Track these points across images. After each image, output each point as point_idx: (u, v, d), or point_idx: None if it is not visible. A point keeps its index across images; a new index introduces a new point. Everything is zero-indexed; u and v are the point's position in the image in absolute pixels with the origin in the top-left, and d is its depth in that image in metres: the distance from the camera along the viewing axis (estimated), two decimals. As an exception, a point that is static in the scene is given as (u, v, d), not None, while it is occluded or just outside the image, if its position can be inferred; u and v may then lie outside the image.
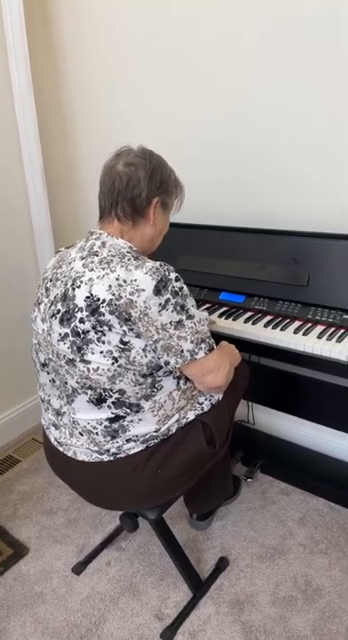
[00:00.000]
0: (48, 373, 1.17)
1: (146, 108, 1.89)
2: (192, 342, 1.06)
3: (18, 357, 2.18)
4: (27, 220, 2.13)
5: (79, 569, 1.58)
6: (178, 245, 1.78)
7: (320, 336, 1.39)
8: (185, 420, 1.21)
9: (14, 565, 1.62)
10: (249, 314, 1.57)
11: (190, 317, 1.06)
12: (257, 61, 1.57)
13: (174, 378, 1.14)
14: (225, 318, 1.56)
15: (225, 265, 1.68)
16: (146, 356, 1.04)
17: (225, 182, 1.79)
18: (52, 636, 1.39)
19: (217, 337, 1.46)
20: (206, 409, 1.25)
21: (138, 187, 1.11)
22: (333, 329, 1.41)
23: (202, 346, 1.08)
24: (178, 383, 1.15)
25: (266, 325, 1.48)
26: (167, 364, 1.06)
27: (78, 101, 2.08)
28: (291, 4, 1.44)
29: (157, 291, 1.01)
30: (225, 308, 1.63)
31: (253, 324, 1.50)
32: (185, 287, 1.06)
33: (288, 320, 1.49)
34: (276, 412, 1.97)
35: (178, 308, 1.04)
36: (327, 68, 1.45)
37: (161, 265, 1.03)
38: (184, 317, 1.05)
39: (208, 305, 1.68)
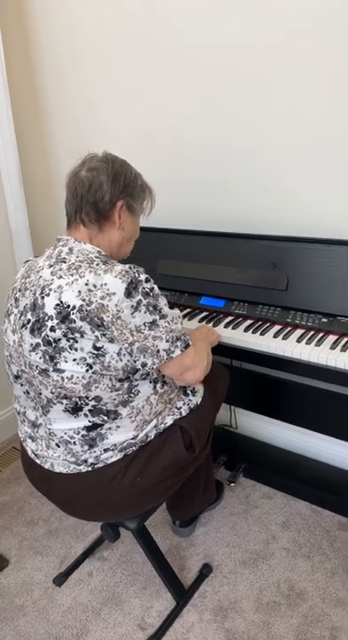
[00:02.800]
0: (22, 385, 1.14)
1: (126, 113, 1.88)
2: (167, 341, 1.05)
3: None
4: (5, 224, 2.10)
5: (60, 580, 1.55)
6: (158, 250, 1.77)
7: (299, 340, 1.39)
8: (163, 425, 1.20)
9: (-6, 578, 1.59)
10: (230, 318, 1.56)
11: (163, 317, 1.05)
12: (240, 66, 1.56)
13: (150, 382, 1.13)
14: (206, 323, 1.55)
15: (205, 270, 1.67)
16: (121, 360, 1.03)
17: (204, 187, 1.78)
18: (33, 651, 1.36)
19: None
20: (184, 413, 1.24)
21: (100, 190, 1.11)
22: (312, 332, 1.41)
23: (178, 344, 1.08)
24: (155, 387, 1.14)
25: (246, 330, 1.48)
26: (144, 365, 1.05)
27: (55, 105, 2.07)
28: (275, 8, 1.44)
29: (128, 293, 1.00)
30: (205, 313, 1.62)
31: (233, 328, 1.50)
32: (155, 287, 1.05)
33: (268, 324, 1.49)
34: (258, 415, 1.97)
35: (151, 308, 1.03)
36: (308, 74, 1.45)
37: (130, 267, 1.02)
38: (157, 317, 1.04)
39: (188, 310, 1.67)
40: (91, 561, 1.62)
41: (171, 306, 1.66)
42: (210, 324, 1.52)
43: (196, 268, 1.69)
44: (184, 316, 1.62)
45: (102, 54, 1.85)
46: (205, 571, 1.52)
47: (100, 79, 1.89)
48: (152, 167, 1.80)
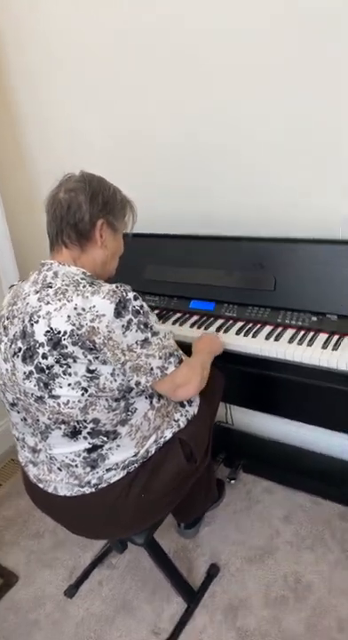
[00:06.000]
0: (18, 412, 1.14)
1: (105, 119, 1.85)
2: (160, 358, 1.06)
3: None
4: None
5: (71, 592, 1.57)
6: (145, 256, 1.76)
7: (290, 340, 1.40)
8: (162, 439, 1.21)
9: (5, 595, 1.61)
10: (221, 321, 1.57)
11: (155, 334, 1.06)
12: (224, 65, 1.53)
13: (146, 398, 1.14)
14: (198, 328, 1.56)
15: (193, 273, 1.67)
16: (115, 380, 1.03)
17: (187, 191, 1.77)
18: (50, 665, 1.38)
19: (190, 348, 1.46)
20: (182, 425, 1.25)
21: (79, 211, 1.10)
22: (303, 332, 1.43)
23: (171, 360, 1.09)
24: (152, 402, 1.15)
25: (238, 333, 1.48)
26: (138, 384, 1.06)
27: (28, 112, 2.03)
28: (264, 5, 1.41)
29: (118, 313, 1.00)
30: (196, 317, 1.62)
31: (225, 332, 1.50)
32: (144, 304, 1.06)
33: (258, 325, 1.50)
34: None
35: (142, 326, 1.03)
36: (294, 72, 1.43)
37: (117, 287, 1.02)
38: (149, 335, 1.05)
39: (179, 314, 1.67)
40: (100, 570, 1.64)
41: (161, 311, 1.69)
42: (214, 333, 1.51)
43: (184, 272, 1.68)
44: (175, 322, 1.62)
45: (76, 62, 1.81)
46: (212, 571, 1.55)
47: (76, 86, 1.85)
48: (134, 172, 1.79)
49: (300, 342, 1.38)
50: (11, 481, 2.10)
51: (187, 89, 1.63)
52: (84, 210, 1.11)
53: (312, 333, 1.41)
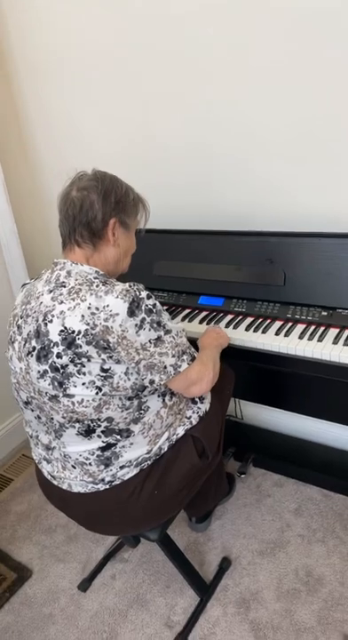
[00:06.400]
0: (32, 411, 1.15)
1: (106, 120, 1.84)
2: (173, 356, 1.07)
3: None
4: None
5: (85, 586, 1.59)
6: (154, 252, 1.76)
7: (301, 336, 1.40)
8: (175, 436, 1.21)
9: (19, 589, 1.63)
10: (230, 317, 1.57)
11: (168, 332, 1.06)
12: (225, 66, 1.53)
13: (159, 396, 1.14)
14: (207, 324, 1.56)
15: (201, 269, 1.67)
16: (129, 379, 1.04)
17: (195, 186, 1.76)
18: (66, 658, 1.40)
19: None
20: (195, 422, 1.26)
21: (92, 210, 1.10)
22: (313, 327, 1.42)
23: (184, 357, 1.09)
24: (164, 400, 1.16)
25: (248, 328, 1.48)
26: (152, 382, 1.06)
27: (36, 120, 2.02)
28: (268, 8, 1.41)
29: (131, 312, 1.00)
30: (205, 313, 1.62)
31: (234, 327, 1.50)
32: (157, 303, 1.06)
33: (268, 321, 1.50)
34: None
35: (155, 325, 1.04)
36: (292, 74, 1.43)
37: (130, 286, 1.03)
38: (162, 333, 1.05)
39: (188, 310, 1.67)
40: (113, 564, 1.66)
41: (170, 306, 1.69)
42: (218, 325, 1.51)
43: (193, 268, 1.69)
44: (184, 317, 1.63)
45: (78, 62, 1.80)
46: (224, 564, 1.56)
47: (79, 83, 1.85)
48: (142, 169, 1.78)
49: (311, 338, 1.38)
50: (24, 476, 2.12)
51: (188, 89, 1.62)
52: (97, 209, 1.10)
53: (322, 328, 1.41)
